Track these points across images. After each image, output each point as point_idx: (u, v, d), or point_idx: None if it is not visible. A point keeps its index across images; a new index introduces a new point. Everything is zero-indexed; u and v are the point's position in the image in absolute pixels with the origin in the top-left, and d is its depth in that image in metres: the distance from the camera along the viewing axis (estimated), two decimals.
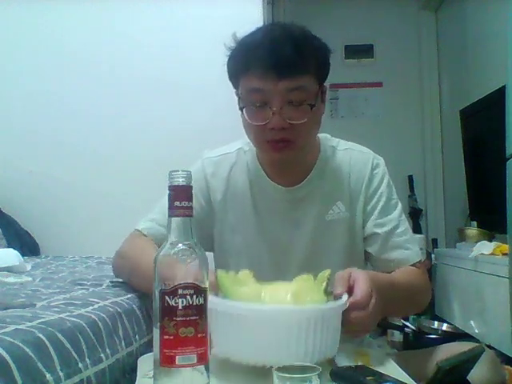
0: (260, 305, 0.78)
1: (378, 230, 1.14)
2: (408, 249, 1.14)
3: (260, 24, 1.82)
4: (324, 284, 0.83)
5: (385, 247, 1.13)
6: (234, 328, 0.76)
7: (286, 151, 1.05)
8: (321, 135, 1.20)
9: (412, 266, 1.13)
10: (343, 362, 0.80)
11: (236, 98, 1.10)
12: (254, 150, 1.18)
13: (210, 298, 0.72)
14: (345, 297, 0.83)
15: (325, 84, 1.09)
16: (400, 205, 1.18)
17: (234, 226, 1.17)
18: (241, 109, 1.07)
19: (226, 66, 1.09)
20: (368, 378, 0.71)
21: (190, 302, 0.65)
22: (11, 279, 1.31)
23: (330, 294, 0.84)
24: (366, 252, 1.17)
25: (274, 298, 0.80)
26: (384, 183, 1.16)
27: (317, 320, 0.75)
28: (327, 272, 0.85)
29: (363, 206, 1.15)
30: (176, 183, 0.68)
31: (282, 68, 0.98)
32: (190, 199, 0.69)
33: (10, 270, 1.44)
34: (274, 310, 0.76)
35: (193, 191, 0.70)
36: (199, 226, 1.02)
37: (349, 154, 1.18)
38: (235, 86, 1.09)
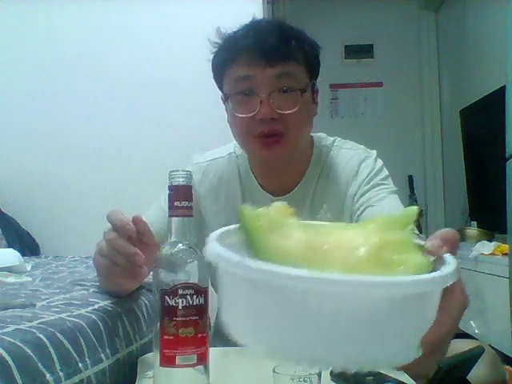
0: (323, 272, 0.41)
1: (364, 207, 1.04)
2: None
3: None
4: (410, 230, 0.49)
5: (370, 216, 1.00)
6: (279, 309, 0.43)
7: (276, 148, 0.99)
8: (315, 136, 1.15)
9: None
10: None
11: None
12: (246, 155, 1.13)
13: (232, 256, 0.43)
14: (454, 262, 0.47)
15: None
16: (395, 190, 1.07)
17: None
18: (226, 100, 1.02)
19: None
20: (368, 377, 0.71)
21: (190, 302, 0.65)
22: (11, 279, 1.31)
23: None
24: None
25: (340, 259, 0.45)
26: (373, 173, 1.08)
27: (418, 299, 0.43)
28: (415, 209, 0.51)
29: (352, 200, 1.07)
30: (176, 183, 0.68)
31: (268, 54, 0.95)
32: (189, 199, 0.69)
33: (10, 270, 1.44)
34: (350, 282, 0.40)
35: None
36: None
37: (339, 152, 1.13)
38: (220, 83, 1.05)
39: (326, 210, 1.08)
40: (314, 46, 1.04)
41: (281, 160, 1.04)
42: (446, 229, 0.52)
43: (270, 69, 0.96)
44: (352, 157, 1.11)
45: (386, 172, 1.10)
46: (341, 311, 0.42)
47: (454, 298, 0.51)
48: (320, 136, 1.17)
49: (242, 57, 0.97)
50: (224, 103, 1.05)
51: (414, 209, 0.51)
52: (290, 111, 0.97)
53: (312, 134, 1.14)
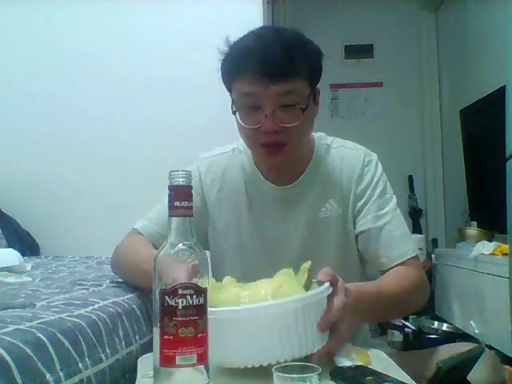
0: (232, 306, 0.77)
1: (369, 226, 1.12)
2: (401, 244, 1.11)
3: (260, 24, 1.81)
4: (305, 276, 0.83)
5: (376, 243, 1.11)
6: (215, 333, 0.69)
7: (279, 155, 1.07)
8: (316, 134, 1.20)
9: (406, 261, 1.09)
10: (343, 362, 0.80)
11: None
12: (249, 150, 1.18)
13: None
14: (326, 284, 0.80)
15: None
16: (394, 200, 1.15)
17: (228, 224, 1.18)
18: (234, 112, 1.07)
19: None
20: (368, 378, 0.71)
21: (190, 302, 0.65)
22: (11, 279, 1.31)
23: (310, 285, 0.84)
24: (359, 250, 1.15)
25: (253, 298, 0.78)
26: (375, 180, 1.15)
27: (294, 311, 0.74)
28: (308, 263, 0.85)
29: (354, 203, 1.14)
30: (176, 183, 0.68)
31: (273, 73, 0.99)
32: (189, 199, 0.69)
33: (10, 270, 1.44)
34: (245, 310, 0.75)
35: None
36: (195, 225, 1.03)
37: (341, 151, 1.18)
38: (228, 89, 1.10)
39: (331, 204, 1.14)
40: (318, 54, 1.07)
41: (283, 164, 1.11)
42: (326, 267, 0.84)
43: (273, 87, 1.00)
44: (356, 158, 1.16)
45: (385, 178, 1.17)
46: (256, 327, 0.74)
47: (335, 301, 0.81)
48: (320, 136, 1.22)
49: (247, 73, 1.01)
50: (232, 110, 1.09)
51: (306, 265, 0.86)
52: (291, 125, 1.03)
53: (312, 134, 1.19)
